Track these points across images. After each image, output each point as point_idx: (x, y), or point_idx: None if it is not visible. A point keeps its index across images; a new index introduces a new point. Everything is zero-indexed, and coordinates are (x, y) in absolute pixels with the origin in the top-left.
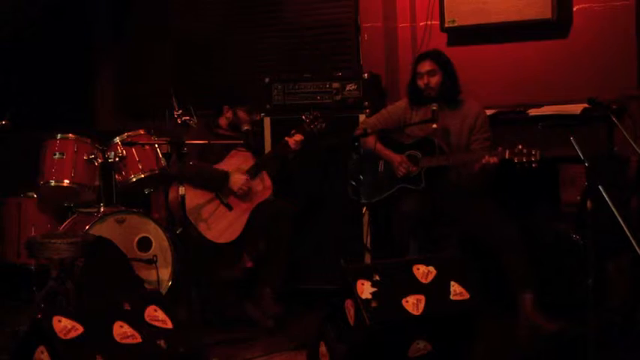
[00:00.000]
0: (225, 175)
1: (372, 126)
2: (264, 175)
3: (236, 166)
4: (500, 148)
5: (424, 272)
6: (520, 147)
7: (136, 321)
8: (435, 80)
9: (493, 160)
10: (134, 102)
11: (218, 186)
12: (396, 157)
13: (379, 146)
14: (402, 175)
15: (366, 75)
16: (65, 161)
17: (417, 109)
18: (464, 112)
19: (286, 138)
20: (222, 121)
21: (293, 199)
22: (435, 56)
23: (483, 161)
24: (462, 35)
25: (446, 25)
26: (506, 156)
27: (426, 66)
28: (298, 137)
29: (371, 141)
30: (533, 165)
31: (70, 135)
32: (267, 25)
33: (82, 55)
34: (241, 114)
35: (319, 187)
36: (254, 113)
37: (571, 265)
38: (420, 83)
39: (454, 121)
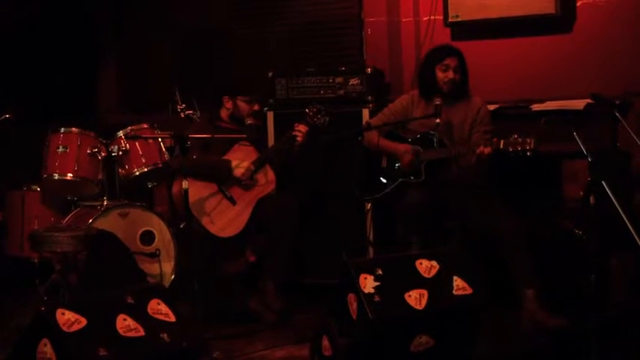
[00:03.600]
0: (228, 164)
1: (375, 121)
2: (268, 169)
3: (239, 159)
4: (495, 139)
5: (427, 267)
6: (515, 136)
7: (139, 314)
8: (458, 77)
9: (487, 150)
10: (138, 96)
11: (221, 175)
12: (400, 147)
13: (382, 141)
14: (407, 164)
15: (369, 69)
16: (69, 155)
17: (421, 103)
18: (467, 106)
19: (294, 132)
20: (223, 113)
21: (296, 193)
22: (462, 55)
23: (478, 151)
24: (466, 30)
25: (449, 20)
26: (501, 146)
27: (455, 61)
28: (303, 128)
29: (374, 138)
30: (528, 153)
31: (74, 129)
32: (271, 19)
33: (86, 49)
34: (241, 104)
35: (322, 181)
36: (254, 103)
37: (574, 261)
38: (443, 75)
39: (457, 114)
